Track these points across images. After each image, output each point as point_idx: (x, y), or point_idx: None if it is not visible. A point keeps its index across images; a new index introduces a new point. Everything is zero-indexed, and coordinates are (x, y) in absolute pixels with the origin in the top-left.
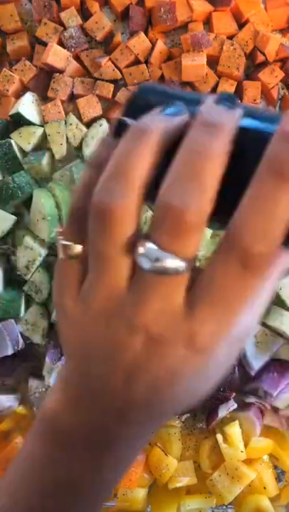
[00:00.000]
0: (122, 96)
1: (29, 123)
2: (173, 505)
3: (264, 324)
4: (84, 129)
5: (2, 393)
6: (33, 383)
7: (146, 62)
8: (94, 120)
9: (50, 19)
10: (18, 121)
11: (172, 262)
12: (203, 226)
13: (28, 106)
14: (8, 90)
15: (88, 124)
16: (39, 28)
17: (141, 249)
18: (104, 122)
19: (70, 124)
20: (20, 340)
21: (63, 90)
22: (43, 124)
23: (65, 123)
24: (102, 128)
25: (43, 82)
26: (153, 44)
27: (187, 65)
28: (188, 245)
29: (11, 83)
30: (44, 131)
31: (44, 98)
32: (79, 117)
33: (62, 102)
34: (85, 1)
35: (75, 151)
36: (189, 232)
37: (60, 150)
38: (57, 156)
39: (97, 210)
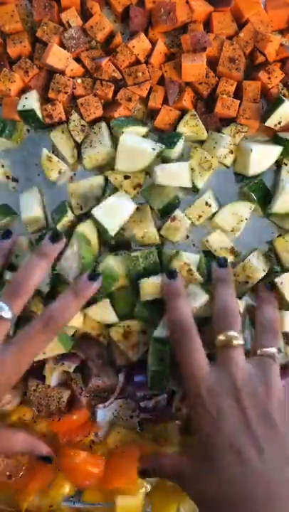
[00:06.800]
0: (123, 95)
1: (39, 119)
2: (173, 505)
3: None
4: (86, 123)
5: None
6: (33, 383)
7: (146, 62)
8: (94, 121)
9: (51, 19)
10: (27, 119)
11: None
12: None
13: (34, 103)
14: (10, 90)
15: (89, 125)
16: (39, 29)
17: None
18: (103, 125)
19: (74, 121)
20: None
21: (64, 91)
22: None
23: (68, 122)
24: (102, 130)
25: (44, 81)
26: (153, 44)
27: (187, 65)
28: None
29: (12, 82)
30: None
31: (45, 98)
32: (80, 117)
33: (63, 102)
34: (86, 1)
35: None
36: None
37: (70, 154)
38: (71, 161)
39: None
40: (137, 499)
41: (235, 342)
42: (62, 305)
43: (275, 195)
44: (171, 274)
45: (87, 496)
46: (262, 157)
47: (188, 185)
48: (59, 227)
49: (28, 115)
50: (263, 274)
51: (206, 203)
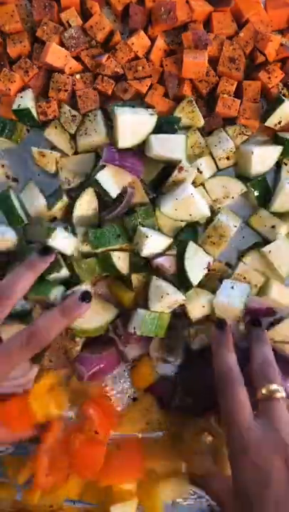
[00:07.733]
0: (120, 88)
1: (34, 118)
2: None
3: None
4: (77, 113)
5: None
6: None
7: (146, 59)
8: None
9: (51, 19)
10: (22, 118)
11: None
12: None
13: (29, 102)
14: (10, 90)
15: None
16: (39, 28)
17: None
18: (98, 113)
19: (64, 113)
20: None
21: (64, 89)
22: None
23: (60, 116)
24: (98, 118)
25: (44, 81)
26: (152, 42)
27: (188, 62)
28: None
29: (12, 82)
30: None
31: (46, 97)
32: (71, 108)
33: (64, 100)
34: (86, 1)
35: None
36: None
37: (67, 147)
38: (70, 153)
39: None
40: (130, 508)
41: (277, 395)
42: (47, 323)
43: (275, 194)
44: (220, 325)
45: (87, 496)
46: (263, 158)
47: (182, 157)
48: (55, 210)
49: (23, 114)
50: (235, 229)
51: (198, 170)
